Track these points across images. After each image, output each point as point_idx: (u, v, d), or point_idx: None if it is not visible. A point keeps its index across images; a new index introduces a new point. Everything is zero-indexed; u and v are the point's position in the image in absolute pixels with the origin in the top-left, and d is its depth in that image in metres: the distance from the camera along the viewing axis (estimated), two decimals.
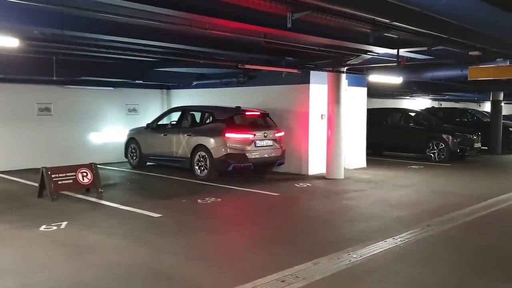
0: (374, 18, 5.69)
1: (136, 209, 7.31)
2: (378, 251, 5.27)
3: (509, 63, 9.15)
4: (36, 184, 8.23)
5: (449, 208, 7.52)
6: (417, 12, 5.12)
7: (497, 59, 9.28)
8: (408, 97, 22.42)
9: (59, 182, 8.08)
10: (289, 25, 5.14)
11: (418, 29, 6.30)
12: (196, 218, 7.06)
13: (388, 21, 5.71)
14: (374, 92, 15.23)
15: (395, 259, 5.09)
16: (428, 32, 6.50)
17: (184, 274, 4.64)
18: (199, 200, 8.05)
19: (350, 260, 4.92)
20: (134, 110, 14.01)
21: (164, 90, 14.73)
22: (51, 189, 7.93)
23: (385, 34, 6.48)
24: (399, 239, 5.72)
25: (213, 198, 8.21)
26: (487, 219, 7.05)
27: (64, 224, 6.35)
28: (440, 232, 6.19)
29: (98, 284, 4.35)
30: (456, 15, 5.47)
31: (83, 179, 8.40)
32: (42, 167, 8.01)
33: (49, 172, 7.98)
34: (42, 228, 6.15)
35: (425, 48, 8.24)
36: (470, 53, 8.37)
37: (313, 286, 4.25)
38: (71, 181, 8.25)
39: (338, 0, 4.85)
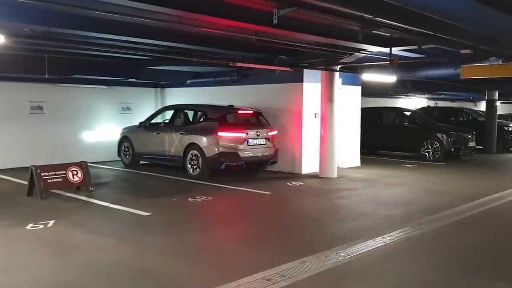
0: (362, 15, 5.64)
1: (126, 208, 7.26)
2: (367, 250, 5.23)
3: (502, 62, 9.11)
4: (27, 183, 8.17)
5: (440, 207, 7.50)
6: (399, 7, 5.07)
7: (490, 58, 9.24)
8: (403, 97, 22.40)
9: (48, 181, 8.03)
10: (275, 22, 5.08)
11: (403, 25, 6.25)
12: (186, 217, 7.02)
13: (371, 16, 5.65)
14: (369, 91, 15.20)
15: (383, 257, 5.06)
16: (414, 28, 6.45)
17: (169, 273, 4.59)
18: (189, 199, 8.01)
19: (337, 259, 4.88)
20: (128, 108, 13.94)
21: (158, 89, 14.67)
22: (41, 188, 7.87)
23: (374, 31, 6.44)
24: (388, 238, 5.69)
25: (204, 197, 8.16)
26: (478, 218, 7.03)
27: (51, 222, 6.29)
28: (430, 230, 6.16)
29: (81, 283, 4.30)
30: (437, 11, 5.43)
31: (73, 178, 8.35)
32: (32, 165, 7.96)
33: (38, 171, 7.92)
34: (29, 226, 6.09)
35: (416, 47, 8.19)
36: (461, 51, 8.33)
37: (298, 285, 4.22)
38: (61, 179, 8.20)
39: None
